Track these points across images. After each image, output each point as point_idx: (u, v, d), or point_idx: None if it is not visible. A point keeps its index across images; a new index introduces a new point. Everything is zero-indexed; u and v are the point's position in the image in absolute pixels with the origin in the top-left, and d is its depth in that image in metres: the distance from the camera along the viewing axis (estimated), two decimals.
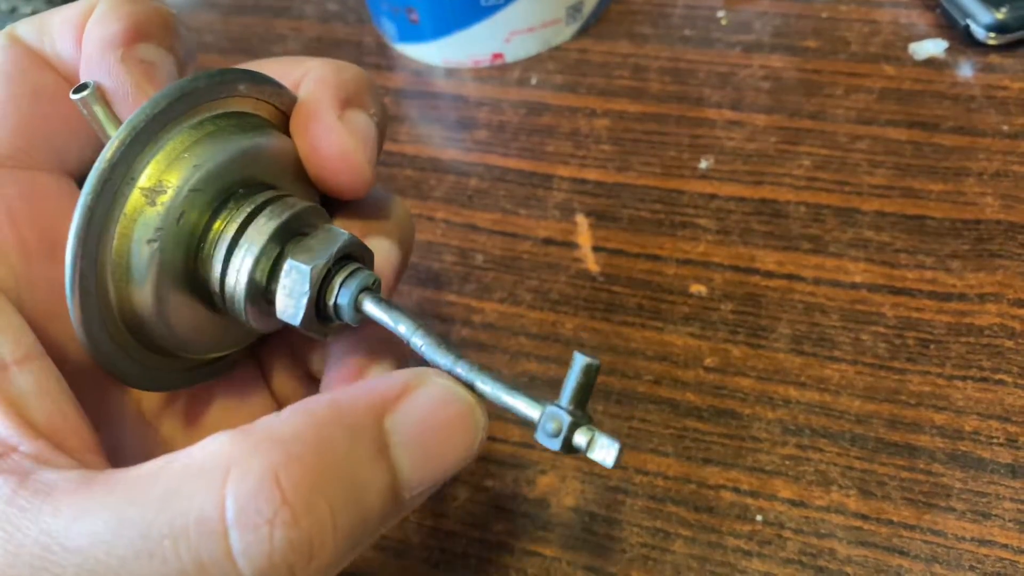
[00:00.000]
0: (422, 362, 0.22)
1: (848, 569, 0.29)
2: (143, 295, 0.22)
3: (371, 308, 0.22)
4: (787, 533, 0.30)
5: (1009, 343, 0.33)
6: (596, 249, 0.39)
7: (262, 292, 0.22)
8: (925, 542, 0.29)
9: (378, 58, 0.52)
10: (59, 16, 0.24)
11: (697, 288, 0.37)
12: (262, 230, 0.22)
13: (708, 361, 0.35)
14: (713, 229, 0.39)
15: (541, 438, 0.20)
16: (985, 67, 0.43)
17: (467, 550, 0.32)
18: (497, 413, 0.35)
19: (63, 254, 0.22)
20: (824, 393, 0.33)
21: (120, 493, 0.18)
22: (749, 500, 0.31)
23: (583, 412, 0.20)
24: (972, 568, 0.29)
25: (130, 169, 0.21)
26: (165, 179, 0.22)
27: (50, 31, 0.24)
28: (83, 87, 0.22)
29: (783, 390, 0.34)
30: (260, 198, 0.23)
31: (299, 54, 0.30)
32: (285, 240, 0.23)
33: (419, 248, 0.41)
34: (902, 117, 0.42)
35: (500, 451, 0.34)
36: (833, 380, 0.33)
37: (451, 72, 0.50)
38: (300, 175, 0.25)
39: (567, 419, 0.20)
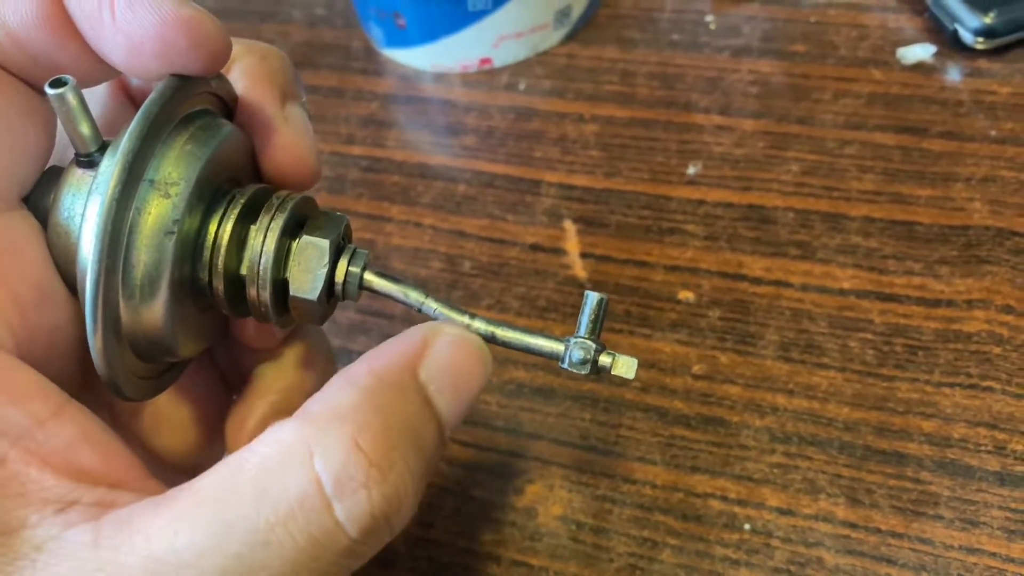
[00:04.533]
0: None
1: None
2: (157, 295, 0.22)
3: (378, 281, 0.24)
4: (775, 542, 0.30)
5: (997, 350, 0.33)
6: (584, 255, 0.39)
7: (279, 281, 0.23)
8: (913, 550, 0.29)
9: (365, 63, 0.51)
10: None
11: (685, 295, 0.37)
12: (274, 223, 0.23)
13: (696, 368, 0.35)
14: (701, 235, 0.39)
15: (569, 366, 0.23)
16: (973, 72, 0.43)
17: (454, 560, 0.32)
18: (482, 421, 0.35)
19: (54, 299, 0.22)
20: (812, 400, 0.33)
21: (209, 503, 0.19)
22: (737, 509, 0.31)
23: (599, 339, 0.23)
24: None
25: (145, 163, 0.21)
26: (173, 171, 0.22)
27: None
28: (61, 82, 0.21)
29: (771, 397, 0.33)
30: (248, 192, 0.23)
31: None
32: (293, 229, 0.24)
33: (406, 255, 0.41)
34: (890, 122, 0.42)
35: (487, 460, 0.34)
36: (821, 387, 0.33)
37: (439, 77, 0.49)
38: (252, 165, 0.25)
39: (592, 346, 0.23)
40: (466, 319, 0.24)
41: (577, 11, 0.49)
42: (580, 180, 0.42)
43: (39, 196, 0.23)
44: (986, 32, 0.42)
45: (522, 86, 0.48)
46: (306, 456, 0.19)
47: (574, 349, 0.23)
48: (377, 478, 0.20)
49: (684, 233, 0.39)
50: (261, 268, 0.23)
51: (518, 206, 0.42)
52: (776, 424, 0.33)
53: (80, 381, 0.24)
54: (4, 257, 0.22)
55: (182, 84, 0.22)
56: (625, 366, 0.23)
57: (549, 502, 0.32)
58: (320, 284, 0.23)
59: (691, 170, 0.42)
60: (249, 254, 0.23)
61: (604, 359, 0.23)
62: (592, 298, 0.24)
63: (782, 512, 0.31)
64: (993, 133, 0.40)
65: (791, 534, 0.30)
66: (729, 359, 0.35)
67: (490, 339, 0.24)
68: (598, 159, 0.43)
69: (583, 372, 0.23)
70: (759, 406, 0.33)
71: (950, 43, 0.44)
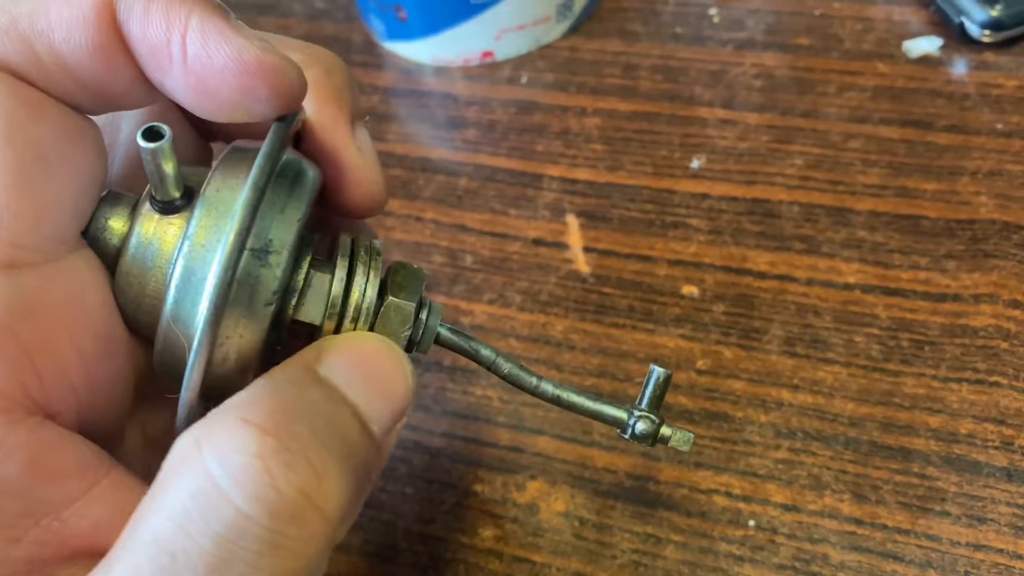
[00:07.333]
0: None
1: (842, 575, 0.29)
2: (250, 363, 0.21)
3: (450, 338, 0.24)
4: (780, 538, 0.30)
5: (1004, 344, 0.33)
6: (587, 250, 0.39)
7: None
8: (919, 547, 0.29)
9: (366, 56, 0.51)
10: (56, 5, 0.19)
11: (689, 289, 0.37)
12: (370, 283, 0.23)
13: (700, 363, 0.34)
14: (705, 229, 0.39)
15: (631, 437, 0.25)
16: (979, 65, 0.42)
17: (456, 556, 0.31)
18: (484, 417, 0.34)
19: (117, 348, 0.21)
20: (817, 396, 0.33)
21: (124, 543, 0.18)
22: (741, 505, 0.31)
23: (660, 413, 0.25)
24: (967, 573, 0.28)
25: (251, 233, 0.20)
26: (274, 239, 0.20)
27: (40, 26, 0.19)
28: (157, 134, 0.19)
29: (776, 393, 0.33)
30: (346, 247, 0.23)
31: None
32: (385, 286, 0.23)
33: (408, 249, 0.41)
34: (896, 116, 0.41)
35: (489, 455, 0.33)
36: (826, 382, 0.33)
37: (440, 71, 0.49)
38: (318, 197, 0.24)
39: (656, 420, 0.25)
40: (534, 380, 0.25)
41: (579, 4, 0.49)
42: (583, 174, 0.42)
43: (99, 228, 0.21)
44: (993, 25, 0.42)
45: (524, 79, 0.47)
46: (194, 452, 0.17)
47: (639, 422, 0.25)
48: (275, 446, 0.17)
49: (688, 227, 0.39)
50: (347, 324, 0.22)
51: (520, 200, 0.42)
52: (781, 419, 0.32)
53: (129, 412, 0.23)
54: (70, 309, 0.20)
55: (284, 139, 0.20)
56: (682, 440, 0.25)
57: (551, 498, 0.32)
58: (402, 346, 0.23)
59: (695, 164, 0.41)
60: (336, 309, 0.22)
61: (664, 431, 0.25)
62: (657, 372, 0.25)
63: (787, 508, 0.30)
64: (999, 127, 0.40)
65: (796, 530, 0.30)
66: (733, 354, 0.34)
67: (555, 401, 0.25)
68: (601, 153, 0.43)
69: (644, 444, 0.25)
70: (764, 401, 0.33)
71: (956, 36, 0.43)
